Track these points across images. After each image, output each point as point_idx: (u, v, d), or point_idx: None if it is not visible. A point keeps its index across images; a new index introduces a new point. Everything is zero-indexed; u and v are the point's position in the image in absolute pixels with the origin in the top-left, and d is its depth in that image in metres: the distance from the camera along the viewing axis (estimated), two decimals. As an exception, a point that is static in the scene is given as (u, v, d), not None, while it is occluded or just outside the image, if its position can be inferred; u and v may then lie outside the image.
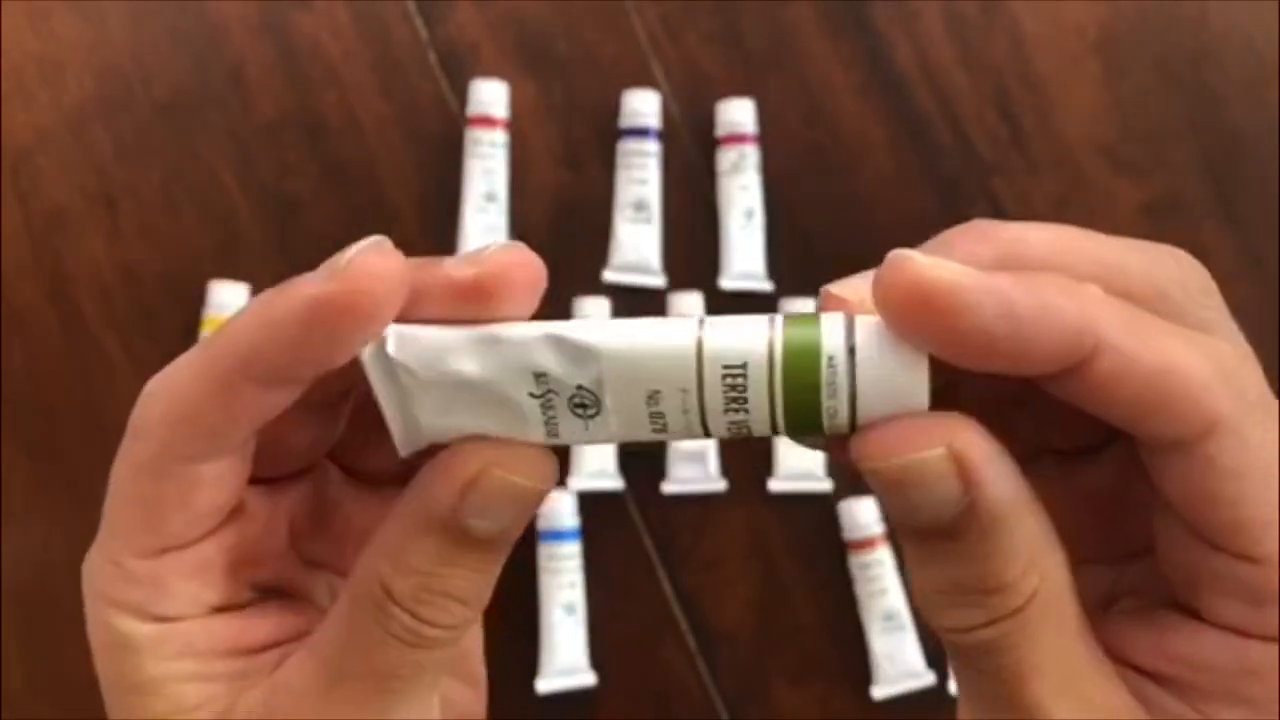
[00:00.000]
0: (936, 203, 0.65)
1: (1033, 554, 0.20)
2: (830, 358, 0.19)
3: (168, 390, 0.23)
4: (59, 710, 0.61)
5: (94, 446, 0.63)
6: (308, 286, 0.21)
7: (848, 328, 0.20)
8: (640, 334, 0.20)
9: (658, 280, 0.64)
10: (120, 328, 0.63)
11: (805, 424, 0.20)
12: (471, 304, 0.21)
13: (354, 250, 0.20)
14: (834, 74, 0.66)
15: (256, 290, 0.63)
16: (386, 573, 0.22)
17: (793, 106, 0.66)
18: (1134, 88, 0.66)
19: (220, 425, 0.22)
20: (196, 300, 0.63)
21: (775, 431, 0.20)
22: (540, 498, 0.22)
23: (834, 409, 0.20)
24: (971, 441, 0.19)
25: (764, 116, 0.65)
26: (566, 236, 0.65)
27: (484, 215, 0.64)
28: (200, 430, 0.22)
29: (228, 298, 0.62)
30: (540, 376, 0.20)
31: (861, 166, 0.66)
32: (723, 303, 0.64)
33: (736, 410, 0.20)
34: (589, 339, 0.20)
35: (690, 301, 0.64)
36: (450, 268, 0.21)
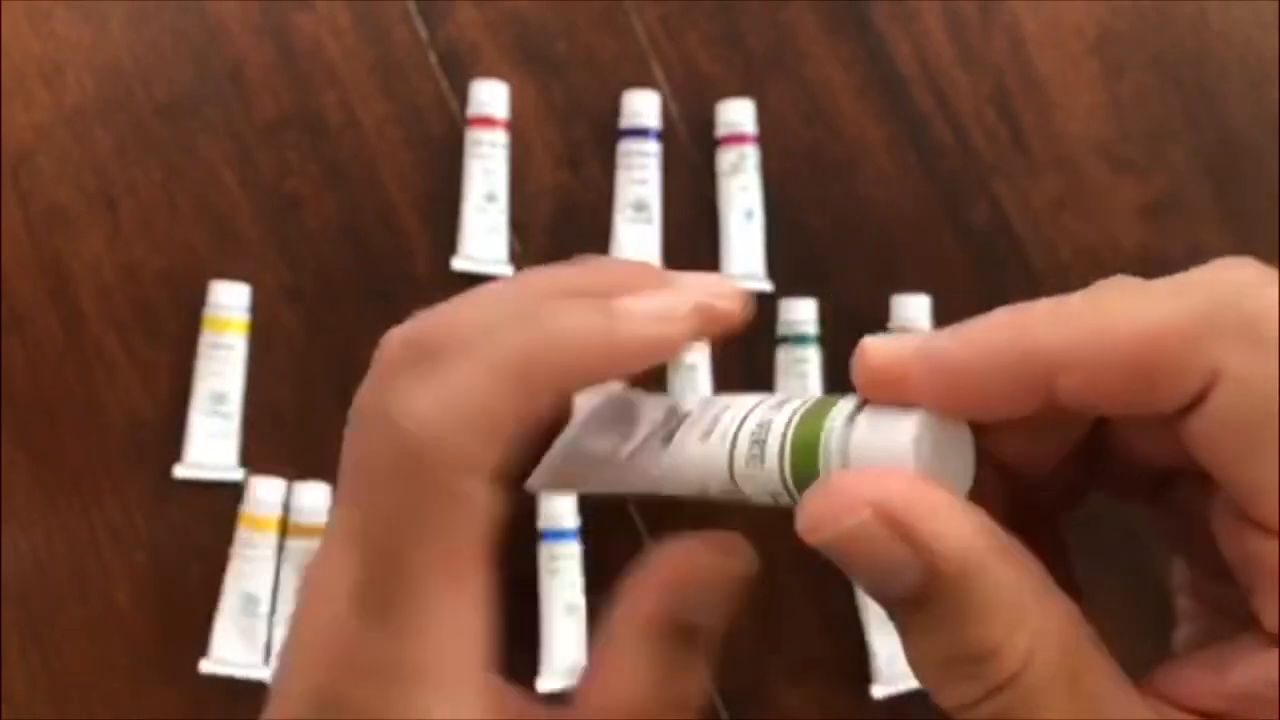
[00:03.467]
0: (936, 202, 0.65)
1: (1016, 610, 0.18)
2: (832, 418, 0.20)
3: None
4: (60, 711, 0.61)
5: (95, 446, 0.63)
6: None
7: (858, 404, 0.21)
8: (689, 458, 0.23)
9: (658, 280, 0.64)
10: (121, 327, 0.63)
11: (805, 466, 0.21)
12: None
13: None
14: (833, 74, 0.66)
15: (258, 290, 0.63)
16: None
17: (792, 107, 0.66)
18: (1133, 87, 0.66)
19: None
20: (197, 299, 0.63)
21: (783, 477, 0.21)
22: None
23: (827, 457, 0.20)
24: (906, 496, 0.18)
25: (764, 117, 0.65)
26: (566, 237, 0.65)
27: (484, 215, 0.64)
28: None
29: (228, 297, 0.63)
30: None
31: (861, 166, 0.66)
32: (722, 302, 0.64)
33: (757, 461, 0.21)
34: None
35: (690, 301, 0.64)
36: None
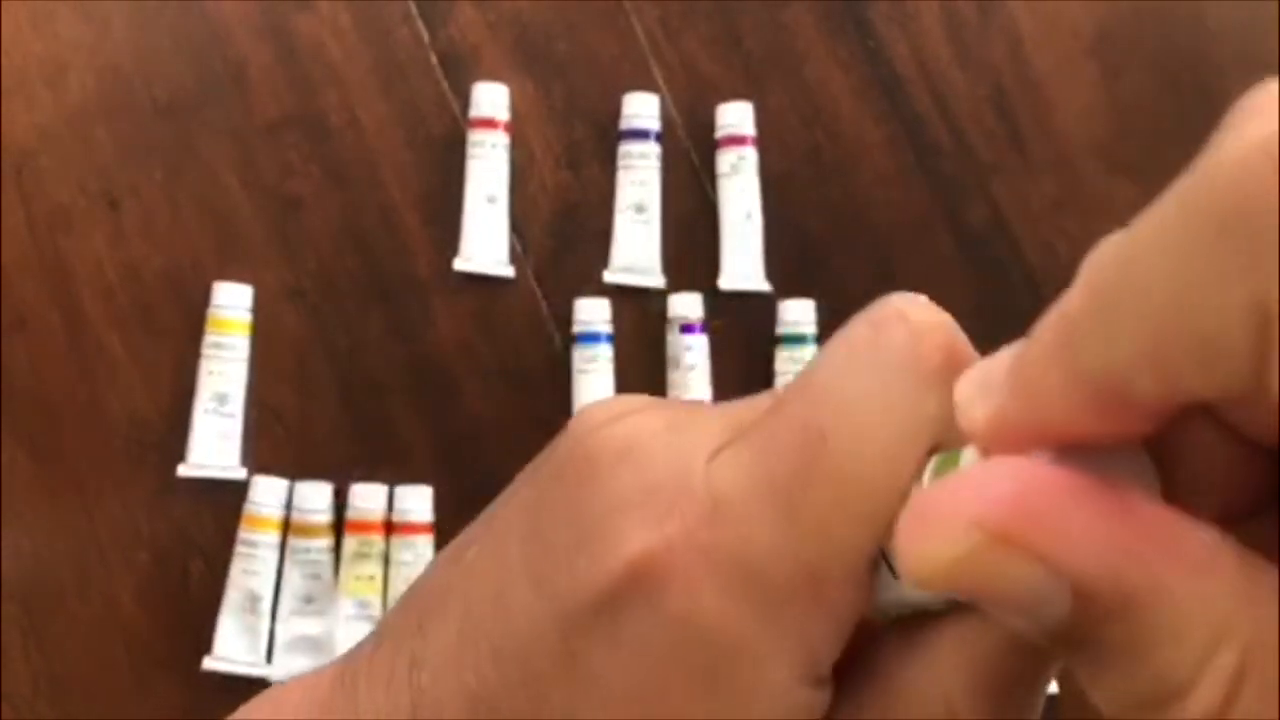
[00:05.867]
0: (934, 203, 0.66)
1: (1211, 629, 0.13)
2: (972, 450, 0.17)
3: None
4: (63, 709, 0.61)
5: (97, 445, 0.63)
6: None
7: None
8: None
9: (657, 281, 0.65)
10: (122, 326, 0.64)
11: None
12: None
13: None
14: (832, 75, 0.66)
15: (259, 290, 0.64)
16: (959, 697, 0.18)
17: (791, 108, 0.66)
18: (1131, 88, 0.67)
19: None
20: (199, 299, 0.63)
21: None
22: None
23: None
24: (1024, 501, 0.13)
25: (763, 118, 0.66)
26: (567, 237, 0.65)
27: (485, 216, 0.64)
28: None
29: (231, 298, 0.63)
30: None
31: (859, 167, 0.66)
32: (722, 303, 0.64)
33: None
34: None
35: (690, 301, 0.64)
36: None
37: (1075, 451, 0.14)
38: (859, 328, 0.19)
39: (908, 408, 0.18)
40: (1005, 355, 0.16)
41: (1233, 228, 0.12)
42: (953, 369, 0.17)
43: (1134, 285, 0.13)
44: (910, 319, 0.18)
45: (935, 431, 0.18)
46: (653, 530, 0.18)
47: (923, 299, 0.19)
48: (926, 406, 0.17)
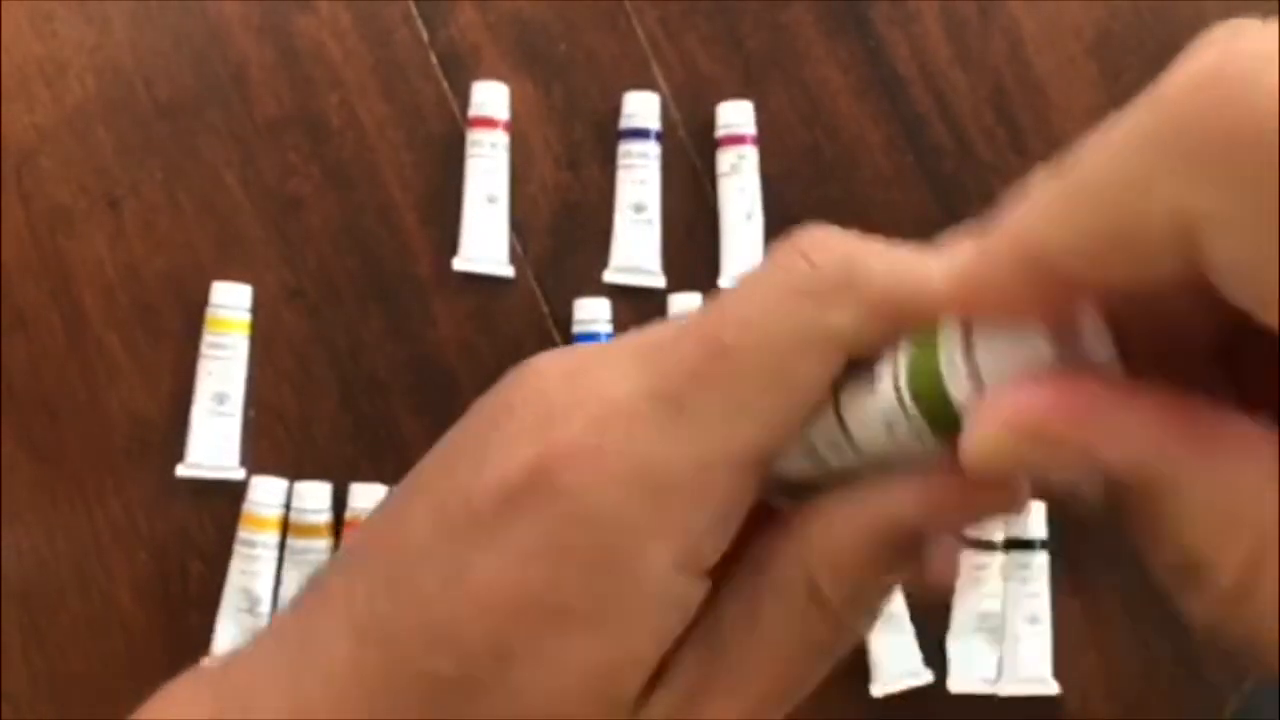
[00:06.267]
0: (934, 203, 0.66)
1: (1226, 513, 0.14)
2: (949, 352, 0.18)
3: None
4: (62, 709, 0.61)
5: (97, 445, 0.63)
6: None
7: (965, 329, 0.19)
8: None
9: (657, 281, 0.65)
10: (122, 327, 0.64)
11: (931, 392, 0.18)
12: None
13: None
14: (832, 75, 0.66)
15: (259, 290, 0.64)
16: (821, 573, 0.19)
17: (791, 108, 0.66)
18: (1130, 88, 0.66)
19: None
20: (199, 299, 0.63)
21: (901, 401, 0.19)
22: None
23: (953, 376, 0.18)
24: (1050, 404, 0.16)
25: (763, 118, 0.66)
26: (567, 237, 0.65)
27: (485, 216, 0.64)
28: None
29: (230, 298, 0.63)
30: None
31: (859, 167, 0.66)
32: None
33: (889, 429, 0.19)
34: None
35: (690, 301, 0.64)
36: None
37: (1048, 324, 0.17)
38: (765, 261, 0.20)
39: (807, 320, 0.19)
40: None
41: (1164, 138, 0.14)
42: (855, 288, 0.20)
43: (1080, 179, 0.16)
44: (809, 254, 0.20)
45: (843, 343, 0.19)
46: (540, 440, 0.19)
47: (833, 230, 0.21)
48: (827, 319, 0.19)
